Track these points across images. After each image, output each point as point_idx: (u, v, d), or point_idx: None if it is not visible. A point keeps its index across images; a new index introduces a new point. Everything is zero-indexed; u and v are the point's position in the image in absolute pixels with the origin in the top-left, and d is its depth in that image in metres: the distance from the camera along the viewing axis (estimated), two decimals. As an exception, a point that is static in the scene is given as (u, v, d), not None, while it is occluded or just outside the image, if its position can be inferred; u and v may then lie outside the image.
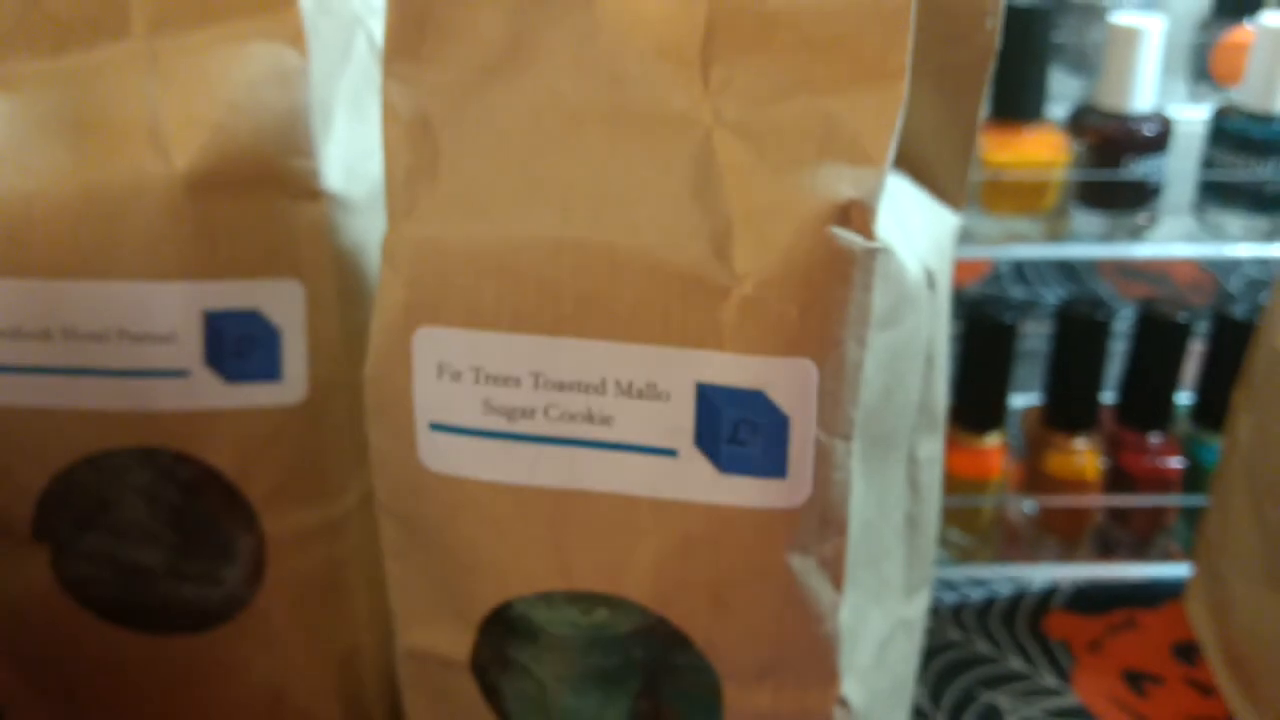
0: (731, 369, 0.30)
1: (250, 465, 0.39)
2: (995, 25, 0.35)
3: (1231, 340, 0.54)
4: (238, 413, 0.38)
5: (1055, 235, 0.56)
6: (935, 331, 0.36)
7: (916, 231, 0.34)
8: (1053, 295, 0.78)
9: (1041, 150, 0.54)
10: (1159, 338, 0.54)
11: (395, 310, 0.33)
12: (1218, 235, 0.57)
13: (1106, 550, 0.59)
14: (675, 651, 0.35)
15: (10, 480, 0.39)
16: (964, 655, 0.53)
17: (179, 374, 0.38)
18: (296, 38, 0.37)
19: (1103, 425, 0.57)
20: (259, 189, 0.37)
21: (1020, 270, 0.80)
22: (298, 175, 0.37)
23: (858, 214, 0.30)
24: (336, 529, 0.41)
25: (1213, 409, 0.55)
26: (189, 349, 0.37)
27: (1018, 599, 0.56)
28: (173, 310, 0.37)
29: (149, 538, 0.41)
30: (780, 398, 0.30)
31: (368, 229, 0.39)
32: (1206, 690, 0.51)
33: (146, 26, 0.38)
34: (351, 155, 0.39)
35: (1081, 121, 0.55)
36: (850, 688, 0.35)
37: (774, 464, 0.31)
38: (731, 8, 0.31)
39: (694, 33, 0.31)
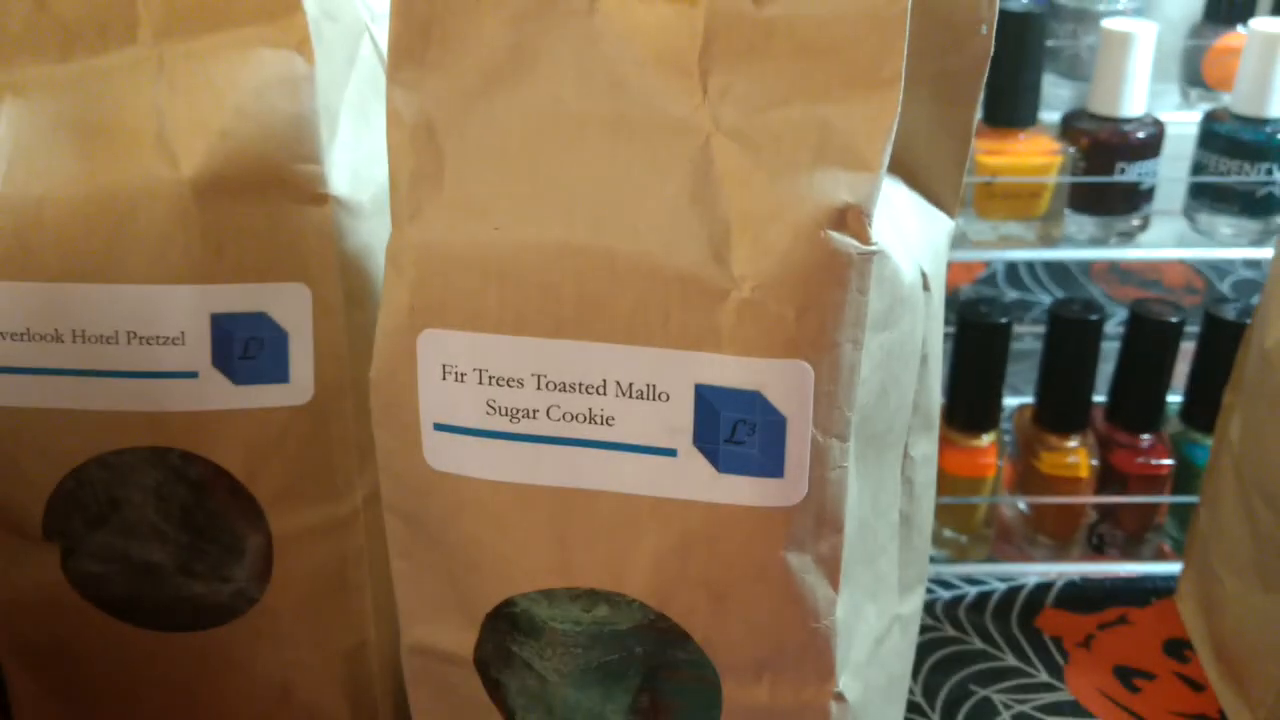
0: (730, 370, 0.31)
1: (258, 465, 0.39)
2: (990, 32, 0.35)
3: (1222, 341, 0.54)
4: (246, 414, 0.39)
5: (1049, 239, 0.56)
6: (930, 332, 0.37)
7: (911, 234, 0.35)
8: (1046, 296, 0.79)
9: (1035, 155, 0.55)
10: (1150, 339, 0.55)
11: (400, 313, 0.33)
12: (1209, 238, 0.58)
13: (1098, 548, 0.59)
14: (675, 647, 0.35)
15: (21, 479, 0.40)
16: (958, 651, 0.53)
17: (188, 376, 0.38)
18: (303, 44, 0.38)
19: (1094, 425, 0.58)
20: (266, 193, 0.37)
21: (1014, 272, 0.81)
22: (304, 180, 0.38)
23: (854, 218, 0.30)
24: (343, 527, 0.41)
25: (1203, 409, 0.56)
26: (197, 351, 0.38)
27: (1011, 596, 0.56)
28: (181, 313, 0.37)
29: (158, 536, 0.41)
30: (777, 398, 0.31)
31: (373, 233, 0.39)
32: (1197, 686, 0.51)
33: (154, 32, 0.38)
34: (357, 160, 0.39)
35: (1074, 126, 0.56)
36: (846, 683, 0.35)
37: (771, 463, 0.31)
38: (729, 16, 0.31)
39: (693, 41, 0.31)
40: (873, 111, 0.30)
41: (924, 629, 0.51)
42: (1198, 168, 0.57)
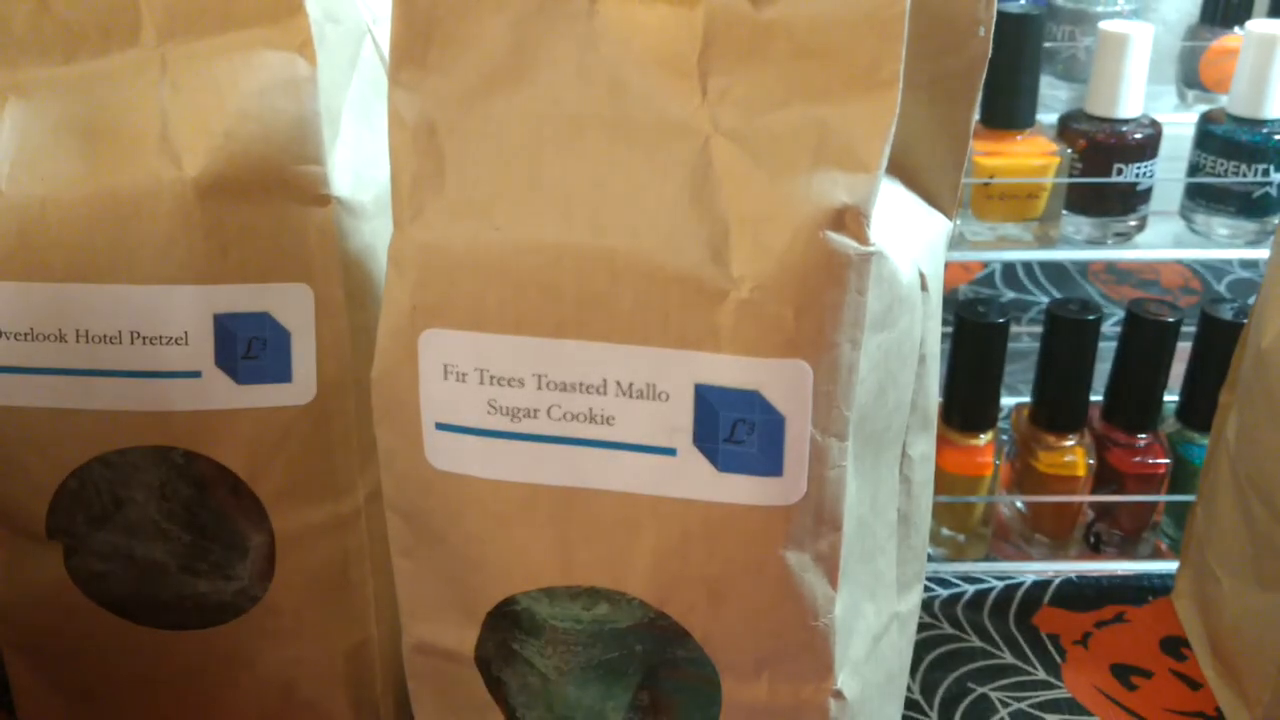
0: (729, 370, 0.31)
1: (260, 464, 0.40)
2: (987, 33, 0.35)
3: (1218, 341, 0.54)
4: (248, 413, 0.39)
5: (1046, 239, 0.56)
6: (928, 332, 0.37)
7: (909, 235, 0.35)
8: (1043, 297, 0.79)
9: (1032, 156, 0.55)
10: (1147, 338, 0.55)
11: (401, 313, 0.33)
12: (1205, 238, 0.58)
13: (1095, 547, 0.59)
14: (675, 645, 0.35)
15: (24, 478, 0.40)
16: (956, 649, 0.53)
17: (191, 375, 0.38)
18: (305, 46, 0.38)
19: (1091, 424, 0.58)
20: (268, 194, 0.37)
21: (1011, 272, 0.81)
22: (306, 181, 0.38)
23: (852, 219, 0.30)
24: (345, 526, 0.41)
25: (1199, 409, 0.56)
26: (200, 351, 0.38)
27: (1009, 594, 0.56)
28: (184, 313, 0.37)
29: (161, 535, 0.42)
30: (776, 398, 0.31)
31: (375, 233, 0.40)
32: (1194, 684, 0.51)
33: (157, 34, 0.38)
34: (359, 161, 0.39)
35: (1072, 127, 0.56)
36: (845, 681, 0.35)
37: (770, 462, 0.31)
38: (728, 19, 0.31)
39: (692, 43, 0.32)
40: (871, 113, 0.31)
41: (922, 627, 0.51)
42: (1194, 169, 0.57)
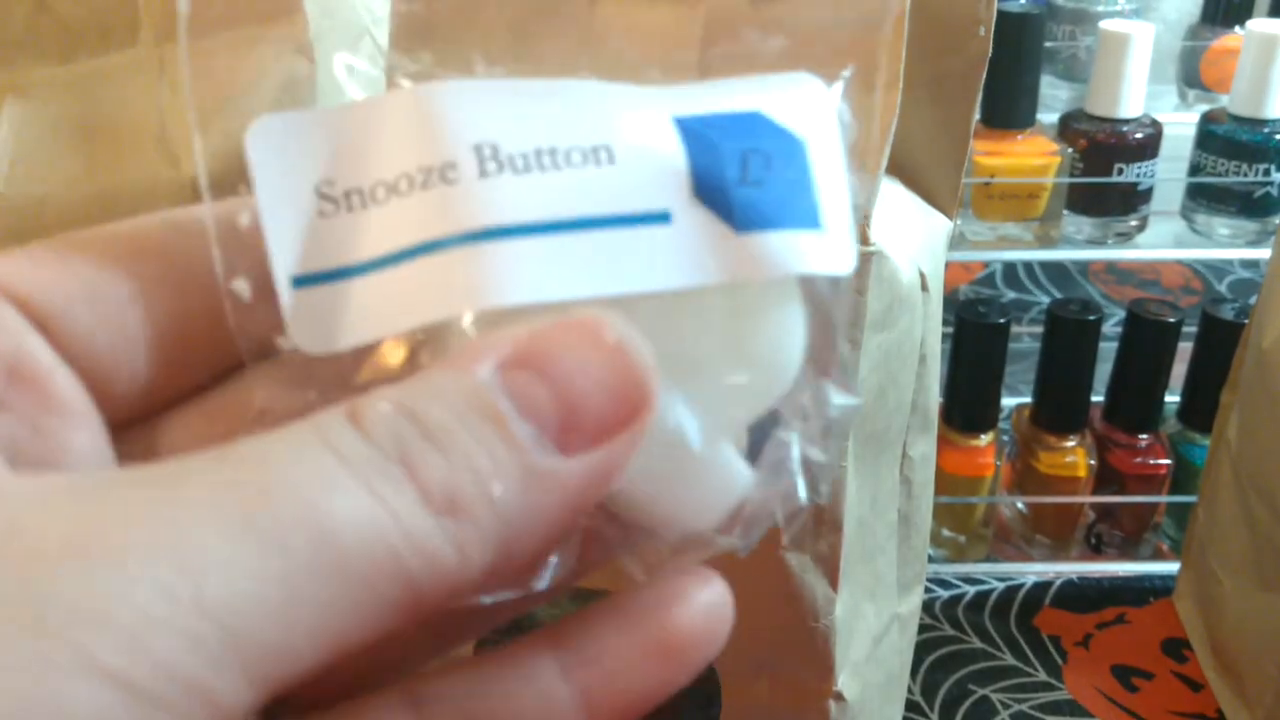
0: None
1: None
2: (988, 33, 0.35)
3: (1219, 341, 0.54)
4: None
5: (1047, 239, 0.56)
6: (928, 332, 0.37)
7: (910, 235, 0.35)
8: (1044, 297, 0.79)
9: (1033, 156, 0.55)
10: (1148, 339, 0.55)
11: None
12: (1206, 238, 0.58)
13: (1096, 548, 0.59)
14: (674, 646, 0.35)
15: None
16: (957, 650, 0.53)
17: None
18: (304, 45, 0.38)
19: (1092, 425, 0.58)
20: (267, 194, 0.37)
21: (1012, 272, 0.81)
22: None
23: (852, 219, 0.30)
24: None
25: (1200, 409, 0.56)
26: (199, 351, 0.38)
27: (1010, 596, 0.56)
28: (182, 313, 0.37)
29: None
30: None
31: (373, 233, 0.40)
32: (1195, 686, 0.51)
33: (155, 34, 0.38)
34: (357, 161, 0.39)
35: (1072, 127, 0.56)
36: (845, 682, 0.35)
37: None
38: (728, 17, 0.31)
39: (691, 41, 0.32)
40: (871, 113, 0.31)
41: (922, 628, 0.51)
42: (1195, 168, 0.57)
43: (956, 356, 0.56)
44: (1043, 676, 0.52)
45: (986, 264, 0.81)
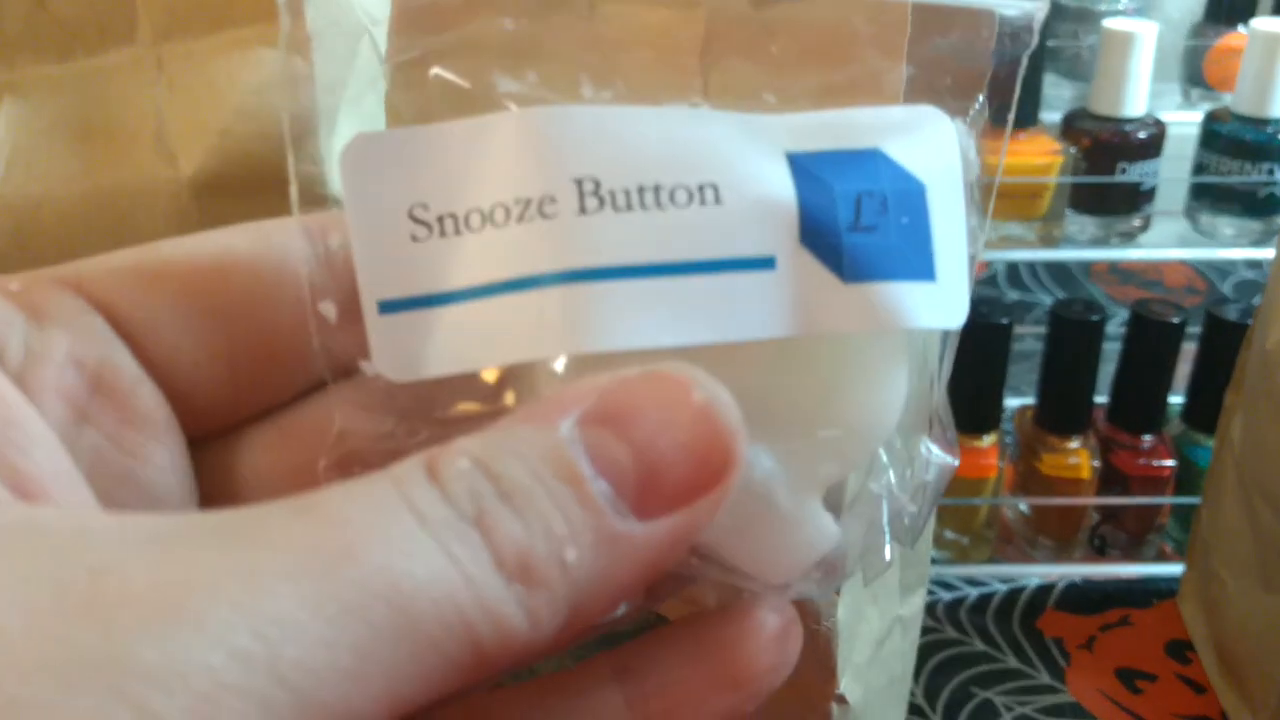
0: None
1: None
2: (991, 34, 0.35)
3: (1223, 342, 0.54)
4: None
5: (1049, 239, 0.56)
6: (930, 334, 0.36)
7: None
8: (1047, 297, 0.79)
9: (1036, 155, 0.55)
10: (1151, 339, 0.55)
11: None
12: (1210, 238, 0.58)
13: (1100, 550, 0.59)
14: (675, 649, 0.35)
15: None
16: (959, 653, 0.53)
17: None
18: (302, 44, 0.38)
19: (1096, 426, 0.58)
20: (264, 194, 0.37)
21: (1014, 272, 0.81)
22: (302, 180, 0.37)
23: (855, 219, 0.30)
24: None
25: (1204, 410, 0.56)
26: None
27: (1012, 598, 0.56)
28: (180, 313, 0.37)
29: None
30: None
31: (372, 233, 0.39)
32: (1199, 688, 0.51)
33: (153, 33, 0.38)
34: (356, 160, 0.39)
35: (1075, 126, 0.56)
36: (848, 685, 0.35)
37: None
38: (730, 18, 0.31)
39: (693, 43, 0.31)
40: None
41: (925, 631, 0.51)
42: (1199, 168, 0.57)
43: (959, 357, 0.56)
44: (1046, 679, 0.52)
45: (989, 264, 0.81)
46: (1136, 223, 0.57)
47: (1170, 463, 0.56)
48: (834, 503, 0.21)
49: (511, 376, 0.20)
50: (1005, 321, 0.54)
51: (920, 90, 0.25)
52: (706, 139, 0.19)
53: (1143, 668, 0.52)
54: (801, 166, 0.20)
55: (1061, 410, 0.56)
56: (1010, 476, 0.59)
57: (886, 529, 0.21)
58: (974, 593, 0.56)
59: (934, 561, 0.58)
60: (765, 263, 0.19)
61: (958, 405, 0.60)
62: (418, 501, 0.15)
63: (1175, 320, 0.54)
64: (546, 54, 0.32)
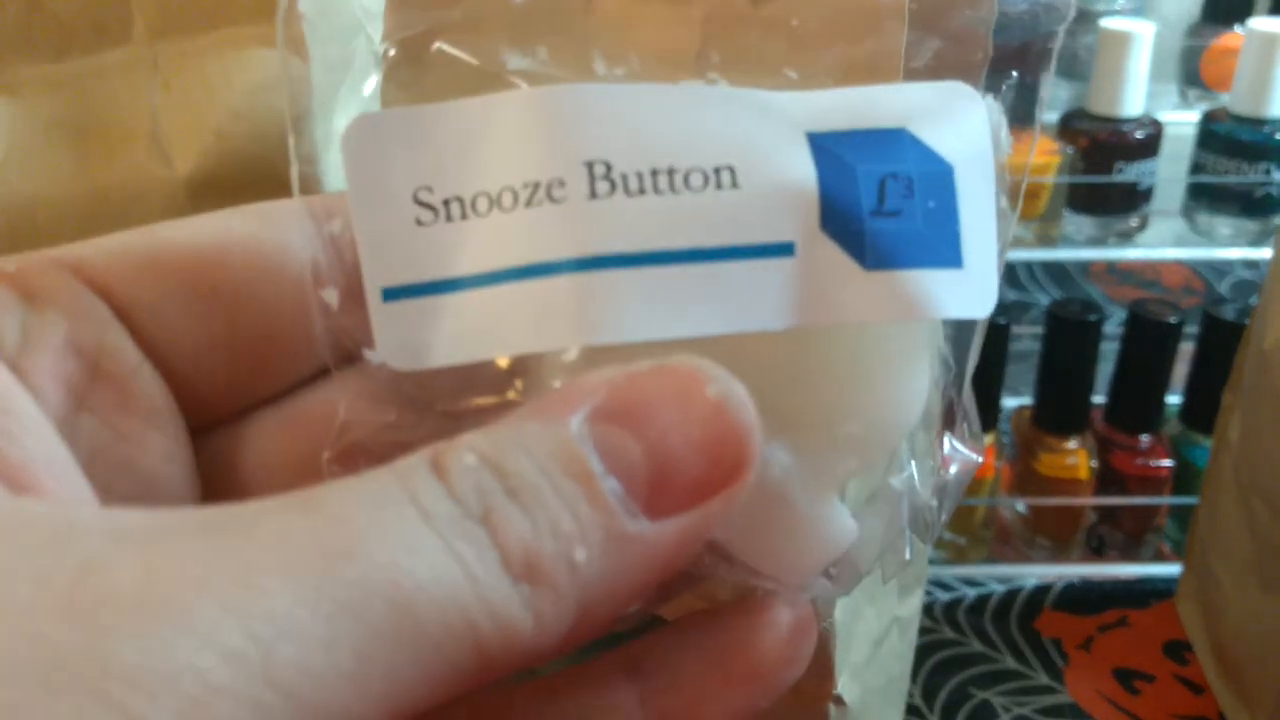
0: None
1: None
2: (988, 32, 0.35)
3: (1221, 342, 0.54)
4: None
5: (1047, 239, 0.56)
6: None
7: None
8: (1044, 297, 0.79)
9: (1034, 152, 0.55)
10: (1149, 339, 0.55)
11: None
12: (1208, 238, 0.58)
13: (1098, 550, 0.59)
14: (672, 649, 0.35)
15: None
16: (957, 654, 0.53)
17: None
18: (298, 43, 0.38)
19: (1093, 426, 0.58)
20: (259, 193, 0.37)
21: (1011, 272, 0.81)
22: (299, 180, 0.37)
23: (852, 218, 0.30)
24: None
25: (1202, 410, 0.56)
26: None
27: (1010, 598, 0.56)
28: (175, 313, 0.37)
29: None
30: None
31: (368, 233, 0.39)
32: (1197, 689, 0.51)
33: (149, 32, 0.38)
34: (352, 160, 0.39)
35: (1072, 126, 0.56)
36: (845, 685, 0.35)
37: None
38: (727, 14, 0.31)
39: (690, 40, 0.31)
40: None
41: (922, 631, 0.51)
42: (1196, 168, 0.57)
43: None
44: (1044, 679, 0.52)
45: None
46: (1134, 222, 0.57)
47: (1168, 463, 0.56)
48: (846, 494, 0.20)
49: (519, 367, 0.19)
50: (1002, 321, 0.54)
51: (950, 65, 0.25)
52: (723, 119, 0.18)
53: (1141, 668, 0.52)
54: (822, 147, 0.19)
55: (1059, 410, 0.56)
56: (1008, 477, 0.59)
57: (907, 526, 0.21)
58: (971, 593, 0.56)
59: (931, 562, 0.58)
60: (784, 249, 0.18)
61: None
62: (422, 497, 0.15)
63: (1173, 320, 0.54)
64: (557, 28, 0.32)
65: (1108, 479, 0.57)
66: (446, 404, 0.19)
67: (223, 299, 0.20)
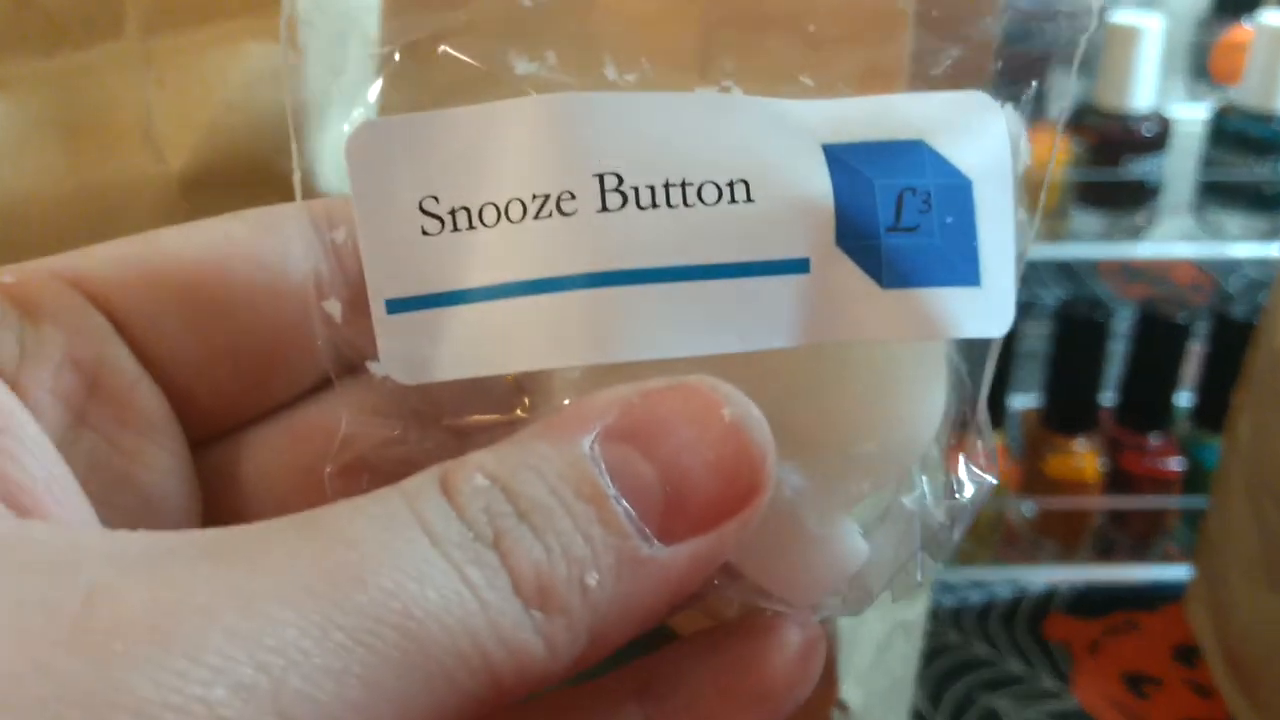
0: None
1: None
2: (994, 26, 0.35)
3: (1231, 341, 0.53)
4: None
5: (1055, 235, 0.56)
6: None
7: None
8: (1052, 296, 0.78)
9: (1040, 150, 0.54)
10: (1158, 338, 0.54)
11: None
12: (1217, 235, 0.57)
13: (1106, 552, 0.58)
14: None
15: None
16: (963, 658, 0.53)
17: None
18: (292, 37, 0.37)
19: (1102, 426, 0.57)
20: (254, 189, 0.37)
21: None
22: (292, 175, 0.37)
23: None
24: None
25: (1212, 410, 0.55)
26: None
27: (1017, 601, 0.56)
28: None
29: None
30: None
31: (363, 229, 0.39)
32: (1206, 692, 0.51)
33: (140, 26, 0.37)
34: (347, 155, 0.39)
35: (1080, 121, 0.55)
36: (849, 690, 0.35)
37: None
38: (729, 10, 0.31)
39: (692, 34, 0.31)
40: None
41: (928, 635, 0.50)
42: (1205, 163, 0.56)
43: (962, 356, 0.55)
44: (1051, 684, 0.51)
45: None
46: (1142, 219, 0.56)
47: (1178, 463, 0.56)
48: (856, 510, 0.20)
49: (526, 382, 0.19)
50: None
51: (969, 74, 0.23)
52: (737, 130, 0.18)
53: (1149, 672, 0.52)
54: (839, 160, 0.19)
55: (1067, 410, 0.56)
56: (1015, 478, 0.59)
57: (919, 548, 0.20)
58: (978, 596, 0.56)
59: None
60: (798, 266, 0.18)
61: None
62: (431, 520, 0.14)
63: (1182, 319, 0.54)
64: (564, 29, 0.31)
65: (1116, 480, 0.56)
66: (451, 419, 0.19)
67: (223, 311, 0.19)
